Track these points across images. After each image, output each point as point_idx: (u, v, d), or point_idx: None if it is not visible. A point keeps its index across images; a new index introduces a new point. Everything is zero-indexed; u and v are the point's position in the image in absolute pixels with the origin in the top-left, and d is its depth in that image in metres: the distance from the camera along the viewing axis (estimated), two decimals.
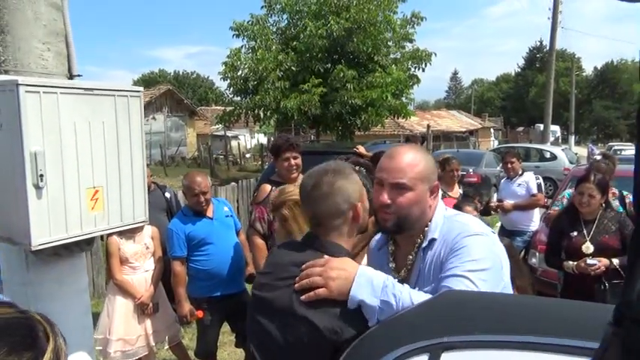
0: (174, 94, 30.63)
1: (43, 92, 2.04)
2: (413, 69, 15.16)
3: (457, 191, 4.72)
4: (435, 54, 14.95)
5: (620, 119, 54.73)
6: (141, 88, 2.41)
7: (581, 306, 1.02)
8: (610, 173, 4.03)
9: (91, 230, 2.22)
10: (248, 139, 32.71)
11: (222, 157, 26.69)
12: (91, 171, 2.23)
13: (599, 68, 61.53)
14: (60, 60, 2.38)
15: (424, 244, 1.46)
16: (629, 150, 19.17)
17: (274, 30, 15.73)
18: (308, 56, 14.32)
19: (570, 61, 42.56)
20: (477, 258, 1.33)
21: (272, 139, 26.28)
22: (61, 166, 2.12)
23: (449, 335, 1.04)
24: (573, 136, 33.02)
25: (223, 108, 17.11)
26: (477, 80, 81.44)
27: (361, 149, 5.15)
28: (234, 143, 29.70)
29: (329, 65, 14.57)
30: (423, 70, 15.01)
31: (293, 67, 14.30)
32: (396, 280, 1.35)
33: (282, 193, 2.68)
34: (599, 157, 5.56)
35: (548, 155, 16.00)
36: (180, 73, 65.35)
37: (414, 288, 1.38)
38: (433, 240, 1.45)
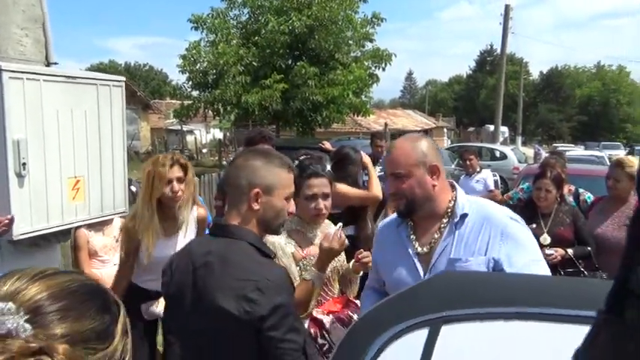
0: (127, 86, 29.53)
1: (27, 79, 1.99)
2: (373, 68, 15.42)
3: None
4: (396, 55, 15.27)
5: (563, 122, 57.67)
6: (123, 78, 2.38)
7: (571, 280, 1.15)
8: (561, 167, 4.31)
9: (72, 220, 2.18)
10: (203, 134, 32.09)
11: (178, 151, 26.10)
12: (72, 160, 2.20)
13: (544, 73, 64.53)
14: (38, 47, 2.31)
15: (455, 220, 1.62)
16: (571, 151, 20.27)
17: (235, 24, 15.56)
18: (269, 52, 14.26)
19: (519, 65, 44.44)
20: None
21: (228, 134, 25.92)
22: (43, 154, 2.08)
23: (448, 309, 1.13)
24: (520, 137, 34.53)
25: (180, 102, 16.70)
26: (431, 81, 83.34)
27: (327, 145, 5.25)
28: (189, 138, 29.07)
29: (290, 61, 14.57)
30: (384, 70, 15.30)
31: (254, 62, 14.20)
32: (417, 252, 1.64)
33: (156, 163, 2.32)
34: (547, 155, 5.90)
35: (498, 154, 16.66)
36: (132, 64, 63.19)
37: (435, 262, 1.59)
38: (465, 215, 1.62)
